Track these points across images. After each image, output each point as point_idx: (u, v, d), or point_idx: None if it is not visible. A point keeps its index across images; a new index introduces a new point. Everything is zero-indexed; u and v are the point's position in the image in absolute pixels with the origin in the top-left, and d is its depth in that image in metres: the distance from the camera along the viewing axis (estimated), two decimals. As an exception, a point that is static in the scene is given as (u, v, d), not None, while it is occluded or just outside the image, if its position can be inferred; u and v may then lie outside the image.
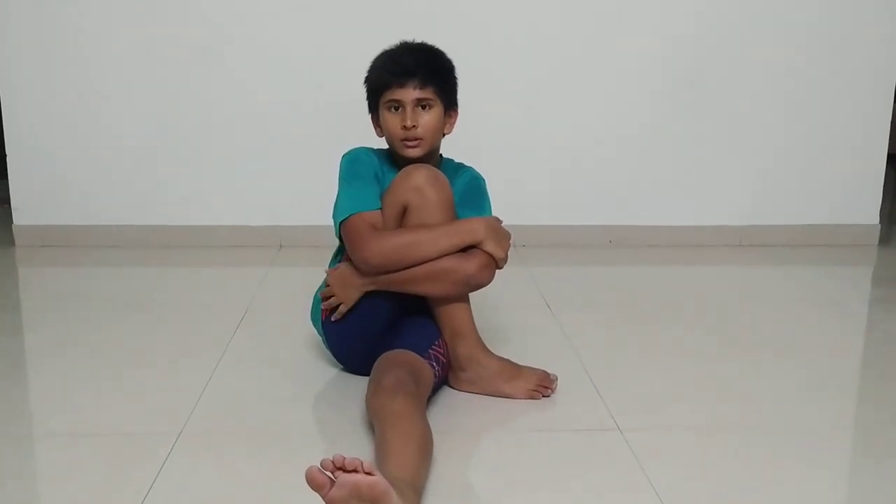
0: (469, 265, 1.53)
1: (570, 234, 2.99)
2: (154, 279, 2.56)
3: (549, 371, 1.63)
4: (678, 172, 2.99)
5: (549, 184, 2.96)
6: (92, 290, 2.41)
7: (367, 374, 1.50)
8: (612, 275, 2.69)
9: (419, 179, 1.51)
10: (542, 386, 1.60)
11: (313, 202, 2.68)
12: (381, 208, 1.56)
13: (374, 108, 1.67)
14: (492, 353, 1.62)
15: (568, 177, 2.96)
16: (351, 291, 1.57)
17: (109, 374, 1.72)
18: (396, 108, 1.60)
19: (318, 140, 2.85)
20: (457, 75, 1.67)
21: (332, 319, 1.63)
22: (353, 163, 1.63)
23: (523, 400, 1.59)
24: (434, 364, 1.55)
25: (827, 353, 1.92)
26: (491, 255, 1.54)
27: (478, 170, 1.73)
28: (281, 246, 2.93)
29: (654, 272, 2.73)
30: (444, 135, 1.67)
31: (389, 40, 1.69)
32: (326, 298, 1.62)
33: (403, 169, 1.56)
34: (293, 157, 2.88)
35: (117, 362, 1.79)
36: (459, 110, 1.70)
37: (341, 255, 1.67)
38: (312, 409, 1.59)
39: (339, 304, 1.60)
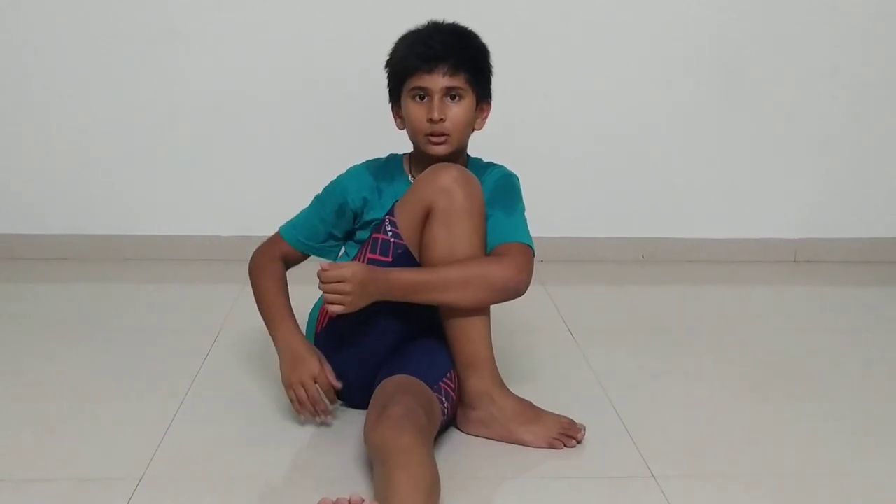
0: (504, 268, 1.54)
1: (596, 248, 3.00)
2: (109, 298, 2.56)
3: (575, 419, 1.62)
4: (721, 176, 3.00)
5: (571, 188, 2.97)
6: (36, 310, 2.42)
7: (365, 407, 1.51)
8: (644, 295, 2.70)
9: (448, 179, 1.52)
10: (566, 435, 1.59)
11: (294, 210, 2.68)
12: (305, 250, 1.75)
13: (395, 97, 1.69)
14: (509, 392, 1.62)
15: (593, 181, 2.97)
16: (365, 297, 1.50)
17: (59, 410, 1.73)
18: (422, 98, 1.62)
19: (300, 138, 2.87)
20: (492, 62, 1.69)
21: (329, 316, 1.60)
22: (331, 188, 1.74)
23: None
24: (444, 400, 1.56)
25: (894, 391, 1.93)
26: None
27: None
28: (257, 260, 2.93)
29: (694, 292, 2.74)
30: (473, 130, 1.69)
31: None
32: (329, 291, 1.48)
33: (431, 167, 1.57)
34: (271, 157, 2.89)
35: (68, 395, 1.80)
36: None
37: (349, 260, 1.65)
38: (296, 450, 1.59)
39: (339, 305, 1.50)
